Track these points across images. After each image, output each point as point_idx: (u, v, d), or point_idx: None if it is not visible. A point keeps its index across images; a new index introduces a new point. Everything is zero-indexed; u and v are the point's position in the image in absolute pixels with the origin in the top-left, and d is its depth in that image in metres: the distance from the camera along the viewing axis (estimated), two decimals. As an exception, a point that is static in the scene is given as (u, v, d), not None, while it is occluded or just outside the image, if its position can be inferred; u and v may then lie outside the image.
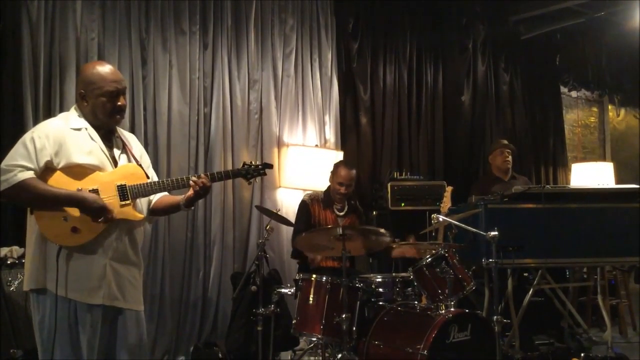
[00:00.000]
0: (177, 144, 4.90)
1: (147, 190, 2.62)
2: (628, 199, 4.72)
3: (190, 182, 2.64)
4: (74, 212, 2.46)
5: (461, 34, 6.86)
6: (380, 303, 3.88)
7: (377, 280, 4.00)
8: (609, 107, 8.90)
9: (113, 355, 2.54)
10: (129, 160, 2.69)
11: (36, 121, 4.18)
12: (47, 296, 2.45)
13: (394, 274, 4.08)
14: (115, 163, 2.63)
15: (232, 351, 4.47)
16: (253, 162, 2.82)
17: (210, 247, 5.03)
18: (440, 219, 3.93)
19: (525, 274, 5.05)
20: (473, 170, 6.83)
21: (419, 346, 3.33)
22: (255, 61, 5.35)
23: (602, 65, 8.19)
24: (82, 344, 2.45)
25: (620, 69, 8.36)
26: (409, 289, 3.97)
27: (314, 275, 3.78)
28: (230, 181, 5.12)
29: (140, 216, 2.63)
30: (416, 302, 3.88)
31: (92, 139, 2.57)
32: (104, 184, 2.52)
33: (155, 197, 2.81)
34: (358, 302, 3.73)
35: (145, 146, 4.63)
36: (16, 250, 3.68)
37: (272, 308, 3.87)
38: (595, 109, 8.82)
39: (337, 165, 4.62)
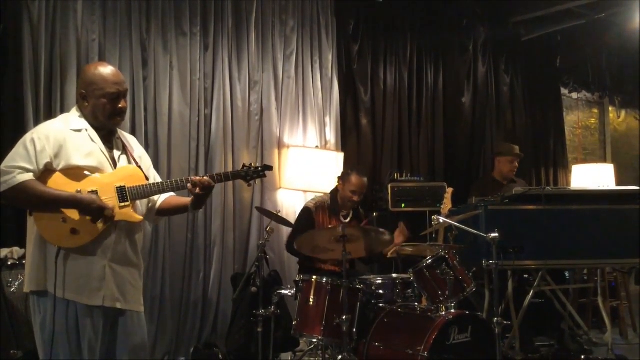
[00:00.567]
0: (178, 144, 4.90)
1: (146, 192, 2.61)
2: (628, 200, 4.72)
3: (188, 185, 2.63)
4: (73, 213, 2.46)
5: (462, 35, 6.86)
6: (381, 304, 3.88)
7: (378, 281, 4.01)
8: (610, 108, 8.90)
9: (114, 356, 2.53)
10: (129, 162, 2.69)
11: (37, 122, 4.18)
12: (47, 298, 2.44)
13: (394, 276, 4.09)
14: (115, 164, 2.62)
15: (232, 352, 4.47)
16: (253, 164, 2.82)
17: (210, 248, 5.03)
18: (441, 220, 3.93)
19: (526, 276, 5.05)
20: (473, 171, 6.83)
21: (419, 348, 3.33)
22: (255, 62, 5.35)
23: (603, 67, 8.19)
24: (83, 345, 2.44)
25: (621, 71, 8.36)
26: (409, 290, 3.97)
27: (315, 277, 3.78)
28: (230, 183, 5.11)
29: (139, 218, 2.63)
30: (416, 304, 3.88)
31: (92, 140, 2.57)
32: (103, 186, 2.52)
33: (160, 198, 2.82)
34: (358, 304, 3.72)
35: (146, 147, 4.65)
36: (17, 251, 3.68)
37: (273, 309, 3.87)
38: (595, 111, 8.82)
39: (348, 173, 4.48)
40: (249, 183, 2.81)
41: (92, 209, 2.45)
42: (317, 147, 5.60)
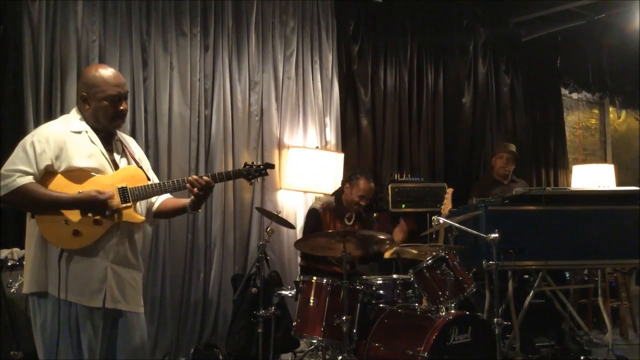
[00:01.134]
0: (178, 145, 4.90)
1: (148, 192, 2.61)
2: (629, 201, 4.72)
3: (187, 184, 2.61)
4: (75, 215, 2.46)
5: (462, 36, 6.86)
6: (381, 305, 3.88)
7: (378, 282, 4.01)
8: (610, 109, 8.89)
9: (114, 357, 2.53)
10: (129, 163, 2.69)
11: (37, 123, 4.19)
12: (47, 299, 2.44)
13: (394, 276, 4.09)
14: (115, 166, 2.62)
15: (233, 353, 4.47)
16: (254, 163, 2.80)
17: (210, 249, 5.03)
18: (441, 221, 3.93)
19: (526, 276, 5.05)
20: (474, 172, 6.83)
21: (419, 348, 3.33)
22: (256, 63, 5.35)
23: (603, 67, 8.18)
24: (84, 346, 2.44)
25: (621, 71, 8.34)
26: (410, 291, 3.97)
27: (315, 277, 3.78)
28: (230, 183, 5.12)
29: (141, 218, 2.63)
30: (417, 304, 3.89)
31: (92, 142, 2.57)
32: (104, 187, 2.51)
33: (158, 200, 2.81)
34: (358, 304, 3.73)
35: (146, 148, 4.65)
36: (17, 252, 3.68)
37: (273, 310, 3.87)
38: (596, 111, 8.82)
39: (357, 177, 4.42)
40: (250, 182, 2.79)
41: (96, 206, 2.45)
42: (317, 147, 5.60)
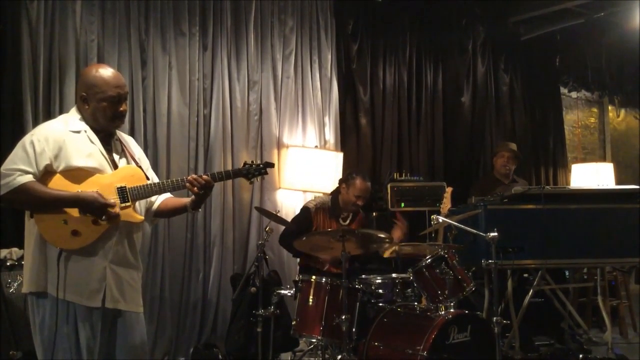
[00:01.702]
0: (177, 145, 4.90)
1: (147, 191, 2.60)
2: (628, 199, 4.72)
3: (187, 183, 2.61)
4: (74, 215, 2.45)
5: (461, 35, 6.86)
6: (380, 304, 3.88)
7: (377, 281, 4.00)
8: (609, 107, 8.90)
9: (114, 357, 2.53)
10: (128, 163, 2.69)
11: (36, 123, 4.18)
12: (46, 299, 2.44)
13: (393, 275, 4.08)
14: (114, 166, 2.62)
15: (232, 352, 4.47)
16: (254, 162, 2.79)
17: (210, 249, 5.03)
18: (440, 220, 3.93)
19: (525, 275, 5.05)
20: (473, 171, 6.84)
21: (418, 347, 3.33)
22: (254, 62, 5.35)
23: (602, 66, 8.18)
24: (82, 346, 2.44)
25: (620, 70, 8.35)
26: (409, 290, 3.97)
27: (314, 277, 3.78)
28: (230, 182, 5.12)
29: (140, 218, 2.62)
30: (416, 303, 3.88)
31: (91, 141, 2.57)
32: (103, 186, 2.51)
33: (158, 199, 2.81)
34: (358, 303, 3.73)
35: (145, 147, 4.65)
36: (16, 252, 3.68)
37: (272, 309, 3.87)
38: (595, 110, 8.82)
39: (353, 177, 4.41)
40: (250, 181, 2.78)
41: (95, 207, 2.45)
42: (316, 147, 5.60)
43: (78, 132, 2.55)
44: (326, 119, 5.77)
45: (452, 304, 3.67)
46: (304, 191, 5.47)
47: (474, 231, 3.73)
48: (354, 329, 3.63)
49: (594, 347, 4.90)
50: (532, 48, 7.47)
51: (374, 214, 5.64)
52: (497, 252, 3.57)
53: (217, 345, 4.66)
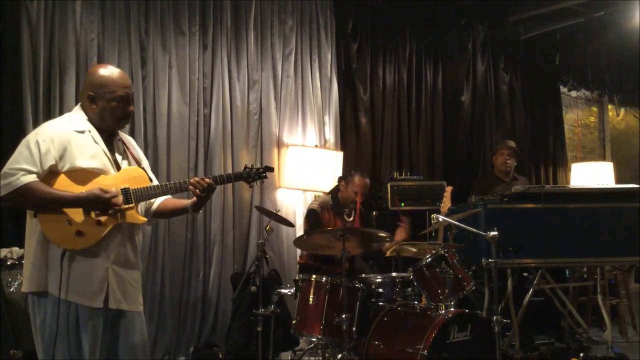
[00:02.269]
0: (177, 144, 4.90)
1: (150, 193, 2.61)
2: (628, 198, 4.73)
3: (190, 186, 2.64)
4: (78, 215, 2.45)
5: (461, 34, 6.86)
6: (380, 303, 3.88)
7: (377, 280, 4.01)
8: (609, 106, 8.90)
9: (115, 357, 2.54)
10: (130, 164, 2.69)
11: (36, 122, 4.19)
12: (47, 299, 2.44)
13: (393, 274, 4.09)
14: (117, 167, 2.62)
15: (232, 352, 4.47)
16: (254, 165, 2.82)
17: (210, 248, 5.03)
18: (440, 219, 3.93)
19: (525, 274, 5.05)
20: (473, 170, 6.84)
21: (418, 346, 3.33)
22: (254, 62, 5.35)
23: (602, 65, 8.19)
24: (84, 346, 2.45)
25: (620, 69, 8.35)
26: (409, 289, 3.97)
27: (314, 276, 3.78)
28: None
29: (144, 219, 2.64)
30: (416, 302, 3.89)
31: (95, 142, 2.57)
32: (107, 187, 2.51)
33: (157, 200, 2.82)
34: (358, 303, 3.73)
35: (145, 147, 4.65)
36: (16, 251, 3.68)
37: (272, 308, 3.87)
38: (595, 109, 8.82)
39: (351, 173, 4.47)
40: (250, 184, 2.81)
41: (100, 204, 2.45)
42: (316, 146, 5.60)
43: (82, 132, 2.55)
44: (326, 118, 5.77)
45: (452, 303, 3.67)
46: (304, 190, 5.47)
47: (474, 230, 3.73)
48: (354, 328, 3.63)
49: (593, 346, 4.91)
50: (532, 47, 7.47)
51: (374, 213, 5.64)
52: (497, 251, 3.57)
53: (217, 344, 4.67)
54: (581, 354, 4.52)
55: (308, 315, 3.72)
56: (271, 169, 2.87)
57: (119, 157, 2.66)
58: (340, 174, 5.40)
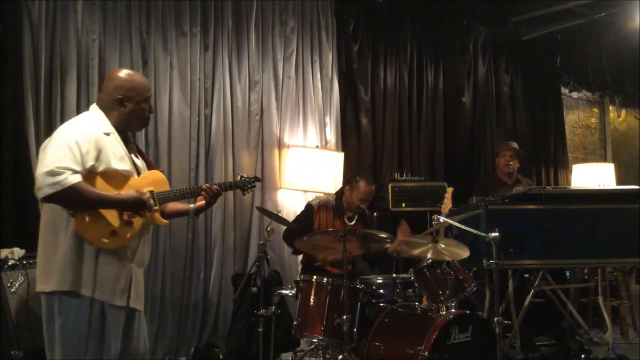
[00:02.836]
0: (178, 145, 4.90)
1: (171, 197, 2.75)
2: (629, 200, 4.72)
3: (202, 191, 2.82)
4: (112, 215, 2.52)
5: (462, 35, 6.86)
6: (381, 304, 3.89)
7: (378, 281, 4.01)
8: (610, 108, 8.90)
9: (124, 356, 2.59)
10: (148, 167, 2.81)
11: (37, 122, 4.19)
12: (75, 298, 2.47)
13: (394, 275, 4.08)
14: (137, 169, 2.71)
15: (233, 352, 4.47)
16: (247, 176, 3.08)
17: (211, 248, 5.03)
18: (441, 220, 3.92)
19: (526, 275, 5.05)
20: (474, 171, 6.84)
21: (419, 347, 3.33)
22: (255, 62, 5.35)
23: (603, 66, 8.19)
24: (107, 345, 2.50)
25: (621, 70, 8.35)
26: (410, 290, 3.98)
27: (315, 277, 3.78)
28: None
29: (165, 222, 2.80)
30: (417, 303, 3.89)
31: (120, 144, 2.64)
32: (134, 190, 2.60)
33: None
34: (359, 303, 3.73)
35: (146, 147, 4.66)
36: (17, 251, 3.68)
37: (273, 309, 3.87)
38: (596, 110, 8.82)
39: (357, 179, 4.38)
40: (244, 192, 3.07)
41: (138, 205, 2.56)
42: (317, 147, 5.60)
43: (108, 134, 2.61)
44: (327, 119, 5.77)
45: (453, 304, 3.67)
46: (305, 191, 5.47)
47: (475, 231, 3.73)
48: (355, 329, 3.63)
49: (594, 348, 4.91)
50: (533, 48, 7.47)
51: (375, 214, 5.63)
52: (498, 252, 3.57)
53: (218, 345, 4.67)
54: (582, 356, 4.52)
55: (309, 316, 3.72)
56: (259, 179, 3.25)
57: (135, 159, 2.74)
58: (341, 175, 5.42)
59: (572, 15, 6.91)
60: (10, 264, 3.59)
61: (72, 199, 2.43)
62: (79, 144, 2.46)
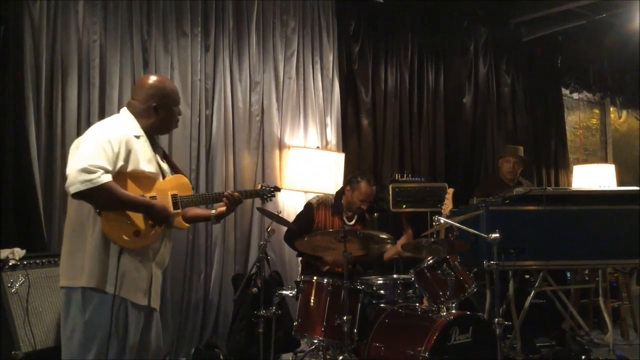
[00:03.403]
0: (179, 145, 4.90)
1: (193, 201, 2.82)
2: (629, 201, 4.71)
3: (224, 198, 2.91)
4: (138, 216, 2.57)
5: (462, 35, 6.86)
6: (382, 305, 3.88)
7: (379, 282, 4.00)
8: (611, 108, 8.90)
9: (141, 354, 2.63)
10: (172, 170, 2.87)
11: (38, 123, 4.20)
12: (100, 295, 2.51)
13: (395, 276, 4.08)
14: (162, 172, 2.77)
15: (233, 353, 4.47)
16: (269, 185, 3.25)
17: (211, 249, 5.03)
18: (442, 221, 3.92)
19: (527, 276, 5.05)
20: (474, 172, 6.84)
21: (420, 348, 3.33)
22: (256, 63, 5.35)
23: (604, 67, 8.19)
24: (128, 344, 2.54)
25: (622, 71, 8.35)
26: (410, 290, 3.97)
27: (315, 277, 3.78)
28: (231, 182, 5.15)
29: (187, 225, 2.85)
30: (417, 304, 3.88)
31: (148, 147, 2.70)
32: (160, 192, 2.67)
33: None
34: (359, 304, 3.72)
35: (147, 148, 4.65)
36: (18, 252, 3.68)
37: (273, 310, 3.87)
38: (596, 111, 8.82)
39: (358, 180, 4.38)
40: (264, 201, 3.21)
41: (162, 216, 2.61)
42: (318, 147, 5.60)
43: (138, 137, 2.67)
44: (328, 120, 5.77)
45: (453, 305, 3.67)
46: (306, 192, 5.47)
47: (476, 232, 3.73)
48: (355, 330, 3.63)
49: (595, 349, 4.91)
50: (533, 49, 7.48)
51: (375, 214, 5.64)
52: (498, 253, 3.57)
53: (218, 345, 4.66)
54: (582, 357, 4.52)
55: (309, 317, 3.72)
56: (279, 189, 3.36)
57: (161, 163, 2.80)
58: (342, 175, 5.41)
59: (573, 16, 6.91)
60: (10, 264, 3.59)
61: (102, 198, 2.46)
62: (111, 143, 2.51)
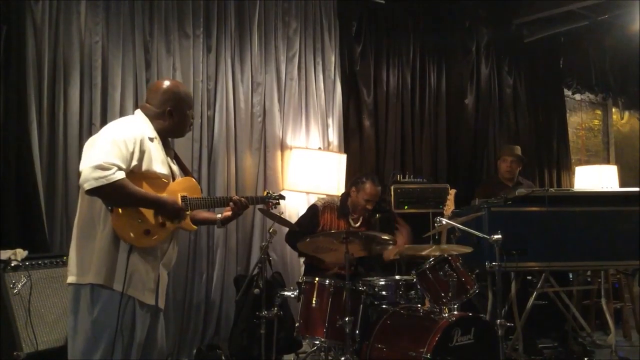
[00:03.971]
0: (181, 146, 4.89)
1: (202, 204, 2.84)
2: (632, 202, 4.70)
3: (230, 203, 2.94)
4: (149, 215, 2.60)
5: (464, 36, 6.86)
6: (384, 306, 3.88)
7: (380, 283, 4.00)
8: (613, 110, 8.88)
9: (145, 355, 2.65)
10: (183, 172, 2.92)
11: (40, 124, 4.20)
12: (108, 292, 2.52)
13: (397, 277, 4.08)
14: (172, 173, 2.80)
15: (235, 354, 4.47)
16: (273, 192, 3.30)
17: (213, 250, 5.03)
18: (444, 222, 3.92)
19: (529, 277, 5.04)
20: (476, 173, 6.83)
21: (422, 349, 3.33)
22: (258, 64, 5.35)
23: (606, 68, 8.17)
24: (135, 342, 2.55)
25: (624, 72, 8.33)
26: (412, 292, 3.97)
27: (317, 278, 3.78)
28: (233, 184, 5.15)
29: (195, 227, 2.89)
30: (419, 305, 3.88)
31: (161, 149, 2.74)
32: (171, 194, 2.70)
33: None
34: (361, 305, 3.72)
35: (149, 149, 4.65)
36: (20, 252, 3.68)
37: (275, 311, 3.87)
38: (599, 112, 8.80)
39: (363, 181, 4.41)
40: (270, 207, 3.30)
41: (173, 212, 2.66)
42: (319, 148, 5.60)
43: (152, 139, 2.70)
44: (329, 121, 5.77)
45: (455, 306, 3.66)
46: (307, 193, 5.47)
47: (478, 233, 3.72)
48: (357, 331, 3.63)
49: (597, 350, 4.90)
50: (535, 50, 7.47)
51: (377, 215, 5.63)
52: (500, 255, 3.56)
53: (220, 346, 4.66)
54: (585, 358, 4.51)
55: (311, 318, 3.72)
56: (284, 197, 3.38)
57: (172, 165, 2.84)
58: (344, 176, 5.41)
59: (575, 17, 6.91)
60: (12, 265, 3.60)
61: (115, 195, 2.48)
62: (126, 142, 2.54)
